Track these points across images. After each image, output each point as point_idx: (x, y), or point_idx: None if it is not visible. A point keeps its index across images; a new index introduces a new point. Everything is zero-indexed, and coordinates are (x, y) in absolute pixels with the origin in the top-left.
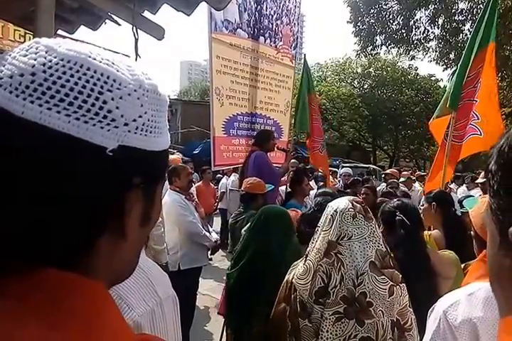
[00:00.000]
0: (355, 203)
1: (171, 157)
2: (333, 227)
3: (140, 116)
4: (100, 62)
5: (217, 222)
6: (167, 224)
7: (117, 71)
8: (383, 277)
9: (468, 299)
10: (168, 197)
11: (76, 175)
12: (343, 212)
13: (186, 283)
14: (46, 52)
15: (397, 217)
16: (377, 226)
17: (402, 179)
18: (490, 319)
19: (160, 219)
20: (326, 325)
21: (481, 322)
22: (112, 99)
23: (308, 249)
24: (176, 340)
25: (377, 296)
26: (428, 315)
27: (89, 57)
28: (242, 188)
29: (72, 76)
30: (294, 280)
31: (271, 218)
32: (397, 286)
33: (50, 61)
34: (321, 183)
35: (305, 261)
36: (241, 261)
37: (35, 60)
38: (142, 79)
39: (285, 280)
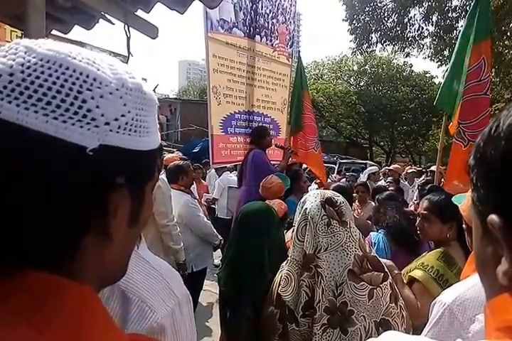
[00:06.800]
0: (327, 207)
1: (168, 155)
2: (307, 239)
3: (123, 115)
4: (80, 61)
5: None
6: (178, 226)
7: (98, 70)
8: (362, 283)
9: (471, 292)
10: (177, 199)
11: (55, 175)
12: (316, 223)
13: (198, 283)
14: (25, 53)
15: None
16: (354, 227)
17: (410, 170)
18: None
19: (175, 219)
20: (316, 340)
21: None
22: (92, 97)
23: (289, 253)
24: (192, 339)
25: (357, 303)
26: (431, 307)
27: (69, 56)
28: (261, 193)
29: (50, 75)
30: (278, 290)
31: (244, 217)
32: (377, 288)
33: (29, 61)
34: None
35: (287, 266)
36: (225, 261)
37: (13, 60)
38: (125, 78)
39: (273, 283)
